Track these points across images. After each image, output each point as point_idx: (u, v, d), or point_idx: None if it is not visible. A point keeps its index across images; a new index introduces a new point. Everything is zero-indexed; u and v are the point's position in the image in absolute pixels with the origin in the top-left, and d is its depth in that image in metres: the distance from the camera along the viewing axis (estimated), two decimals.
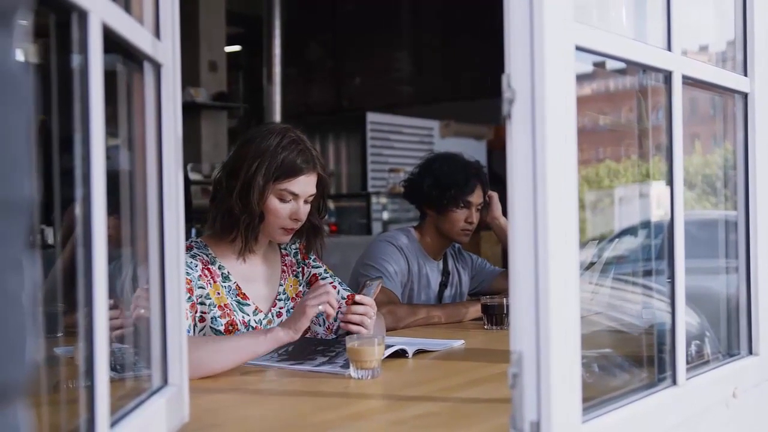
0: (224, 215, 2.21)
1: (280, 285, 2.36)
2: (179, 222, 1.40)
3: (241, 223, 2.19)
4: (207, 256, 2.23)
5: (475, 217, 3.03)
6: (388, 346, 2.04)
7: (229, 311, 2.19)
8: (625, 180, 2.12)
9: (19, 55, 0.59)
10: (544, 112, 1.16)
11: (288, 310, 2.33)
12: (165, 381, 1.38)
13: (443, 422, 1.52)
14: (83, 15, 1.00)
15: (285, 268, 2.39)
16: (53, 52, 1.05)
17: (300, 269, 2.43)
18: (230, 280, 2.23)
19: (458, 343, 2.35)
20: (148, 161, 1.36)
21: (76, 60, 1.03)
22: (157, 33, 1.36)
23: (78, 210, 1.02)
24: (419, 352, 2.19)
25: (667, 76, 1.53)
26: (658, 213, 1.95)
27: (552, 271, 1.16)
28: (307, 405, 1.68)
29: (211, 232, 2.29)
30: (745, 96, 1.82)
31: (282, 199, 2.20)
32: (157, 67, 1.36)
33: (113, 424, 1.10)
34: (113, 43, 1.13)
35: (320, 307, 1.99)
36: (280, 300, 2.34)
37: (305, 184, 2.22)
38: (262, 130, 2.26)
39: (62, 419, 1.17)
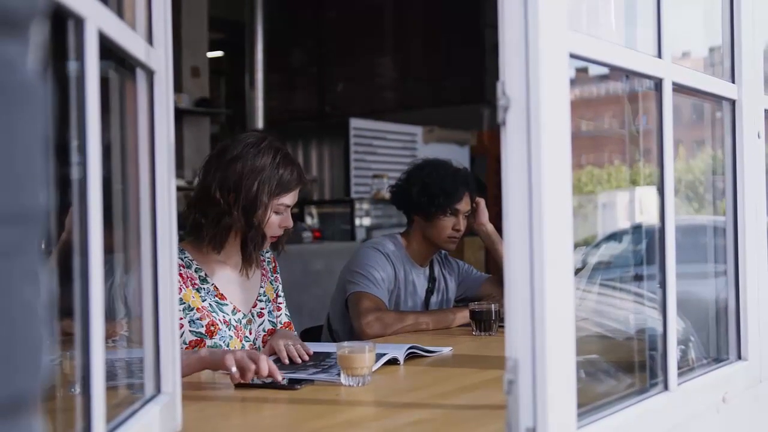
0: (225, 231, 2.26)
1: (261, 287, 2.43)
2: (172, 229, 1.39)
3: (250, 241, 2.27)
4: (182, 259, 2.27)
5: (463, 225, 3.03)
6: (379, 355, 2.04)
7: (207, 312, 2.24)
8: (608, 186, 2.13)
9: (34, 64, 0.59)
10: (539, 119, 1.16)
11: (269, 311, 2.43)
12: (158, 389, 1.37)
13: (437, 429, 1.52)
14: (80, 22, 1.00)
15: (264, 272, 2.47)
16: (48, 59, 1.05)
17: (273, 277, 2.53)
18: (208, 282, 2.29)
19: (447, 350, 2.36)
20: (140, 168, 1.36)
21: (71, 66, 1.03)
22: (150, 39, 1.35)
23: (74, 217, 1.02)
24: (411, 357, 2.19)
25: (658, 83, 1.54)
26: (642, 218, 1.96)
27: (548, 278, 1.16)
28: (299, 413, 1.68)
29: (192, 238, 2.32)
30: (732, 102, 1.84)
31: (277, 212, 2.30)
32: (150, 74, 1.35)
33: None
34: (107, 49, 1.12)
35: (233, 369, 1.83)
36: (261, 301, 2.42)
37: (296, 195, 2.34)
38: (247, 146, 2.28)
39: (56, 428, 1.17)
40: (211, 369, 1.96)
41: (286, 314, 2.52)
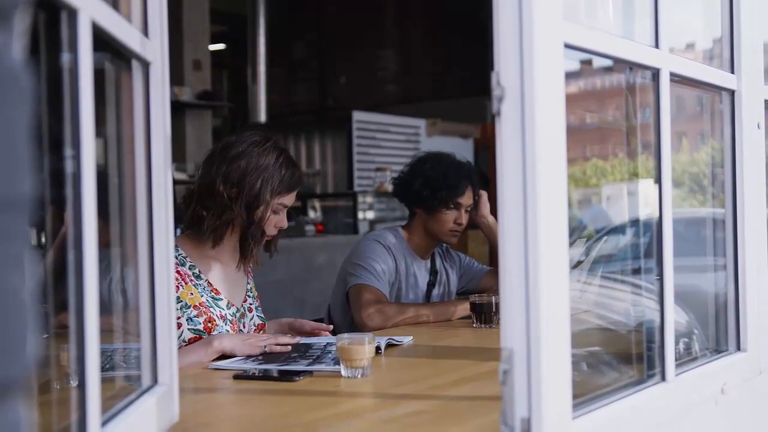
0: (225, 225, 2.29)
1: (248, 283, 2.48)
2: (168, 222, 1.40)
3: (249, 237, 2.31)
4: (176, 257, 2.28)
5: (464, 219, 3.03)
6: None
7: (205, 309, 2.27)
8: (612, 178, 2.13)
9: (19, 53, 0.59)
10: (533, 110, 1.16)
11: (257, 307, 2.48)
12: (155, 380, 1.38)
13: (434, 419, 1.53)
14: (73, 13, 1.00)
15: (249, 270, 2.51)
16: (41, 50, 1.05)
17: (252, 276, 2.56)
18: (202, 279, 2.32)
19: (408, 339, 2.39)
20: (136, 160, 1.36)
21: (65, 58, 1.02)
22: (145, 31, 1.35)
23: (68, 211, 1.02)
24: (389, 346, 2.25)
25: (655, 74, 1.54)
26: (645, 211, 1.96)
27: (542, 268, 1.16)
28: (297, 404, 1.68)
29: (189, 232, 2.35)
30: (732, 93, 1.83)
31: (275, 212, 2.33)
32: (145, 65, 1.35)
33: (104, 423, 1.10)
34: (101, 41, 1.12)
35: (266, 348, 2.14)
36: (249, 296, 2.46)
37: (294, 197, 2.39)
38: (251, 144, 2.31)
39: (52, 419, 1.17)
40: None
41: (259, 316, 2.54)
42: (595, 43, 1.37)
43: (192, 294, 2.27)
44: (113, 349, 1.48)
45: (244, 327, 2.38)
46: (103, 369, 1.12)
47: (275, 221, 2.34)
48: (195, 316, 2.24)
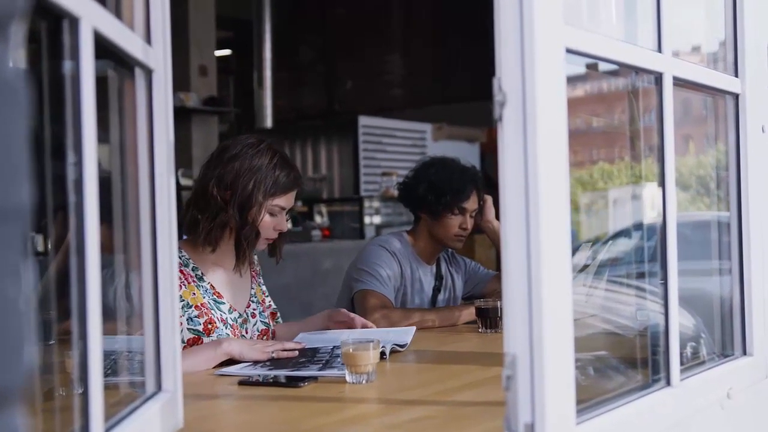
0: (219, 228, 2.29)
1: (252, 288, 2.48)
2: (172, 228, 1.40)
3: (243, 238, 2.30)
4: (180, 258, 2.29)
5: (470, 223, 3.03)
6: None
7: (206, 310, 2.28)
8: (618, 182, 2.12)
9: (15, 62, 0.59)
10: (535, 115, 1.16)
11: (260, 312, 2.46)
12: (159, 387, 1.38)
13: (438, 425, 1.52)
14: (74, 21, 1.00)
15: (254, 274, 2.51)
16: (44, 58, 1.05)
17: (260, 281, 2.55)
18: (205, 281, 2.32)
19: (411, 330, 2.43)
20: (139, 167, 1.36)
21: (67, 66, 1.03)
22: (148, 39, 1.36)
23: (71, 217, 1.02)
24: (393, 352, 2.24)
25: (658, 78, 1.53)
26: (651, 215, 1.95)
27: (545, 273, 1.16)
28: (302, 410, 1.68)
29: (190, 237, 2.36)
30: (736, 97, 1.83)
31: (272, 214, 2.33)
32: (148, 72, 1.36)
33: (107, 430, 1.10)
34: (104, 49, 1.13)
35: (273, 354, 2.14)
36: (253, 302, 2.46)
37: (292, 199, 2.38)
38: (246, 146, 2.32)
39: (56, 426, 1.17)
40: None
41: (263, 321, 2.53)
42: (597, 47, 1.36)
43: (194, 294, 2.27)
44: (117, 352, 1.49)
45: (246, 332, 2.38)
46: (106, 375, 1.12)
47: (274, 224, 2.33)
48: (196, 317, 2.25)
